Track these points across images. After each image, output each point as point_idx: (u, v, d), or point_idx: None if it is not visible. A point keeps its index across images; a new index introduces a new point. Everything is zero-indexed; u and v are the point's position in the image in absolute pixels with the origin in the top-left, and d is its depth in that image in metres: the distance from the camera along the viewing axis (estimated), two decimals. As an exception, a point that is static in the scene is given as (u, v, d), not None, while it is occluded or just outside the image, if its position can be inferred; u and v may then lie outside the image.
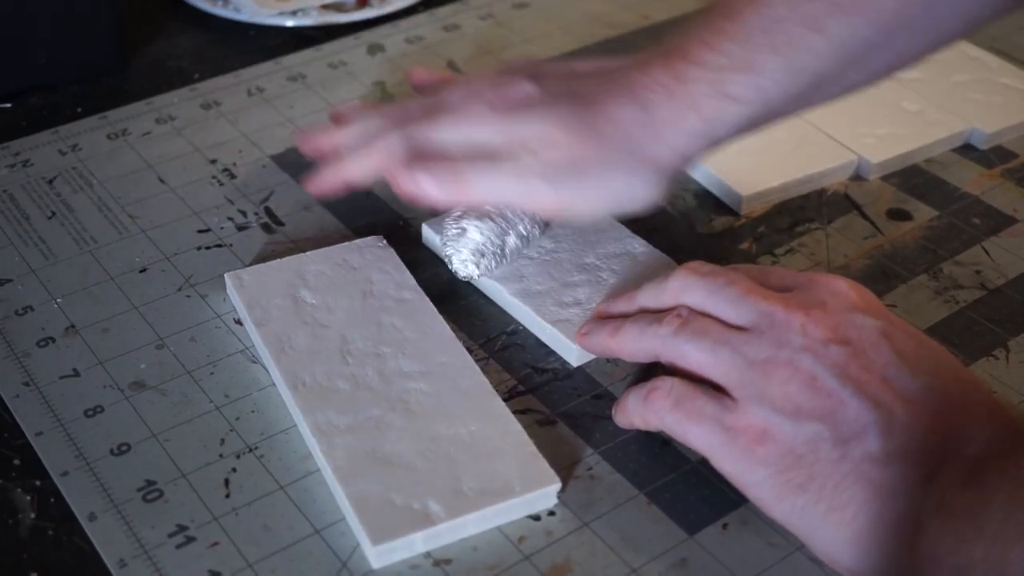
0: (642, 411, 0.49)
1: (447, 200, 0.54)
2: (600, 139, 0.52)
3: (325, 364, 0.53)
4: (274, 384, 0.53)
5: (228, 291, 0.58)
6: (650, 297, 0.52)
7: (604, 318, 0.54)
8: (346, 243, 0.59)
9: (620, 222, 0.61)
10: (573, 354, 0.55)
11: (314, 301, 0.56)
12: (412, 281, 0.57)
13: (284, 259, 0.58)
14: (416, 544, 0.46)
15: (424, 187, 0.53)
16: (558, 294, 0.57)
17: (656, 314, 0.51)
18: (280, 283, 0.57)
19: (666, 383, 0.48)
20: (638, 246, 0.60)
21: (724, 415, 0.46)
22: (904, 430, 0.44)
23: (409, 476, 0.48)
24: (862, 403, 0.44)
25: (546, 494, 0.48)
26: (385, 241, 0.60)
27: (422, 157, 0.54)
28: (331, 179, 0.57)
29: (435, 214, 0.62)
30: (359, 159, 0.56)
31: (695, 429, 0.47)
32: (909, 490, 0.43)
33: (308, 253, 0.58)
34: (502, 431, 0.50)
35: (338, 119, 0.61)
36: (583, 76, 0.56)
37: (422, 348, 0.54)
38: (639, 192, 0.53)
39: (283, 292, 0.56)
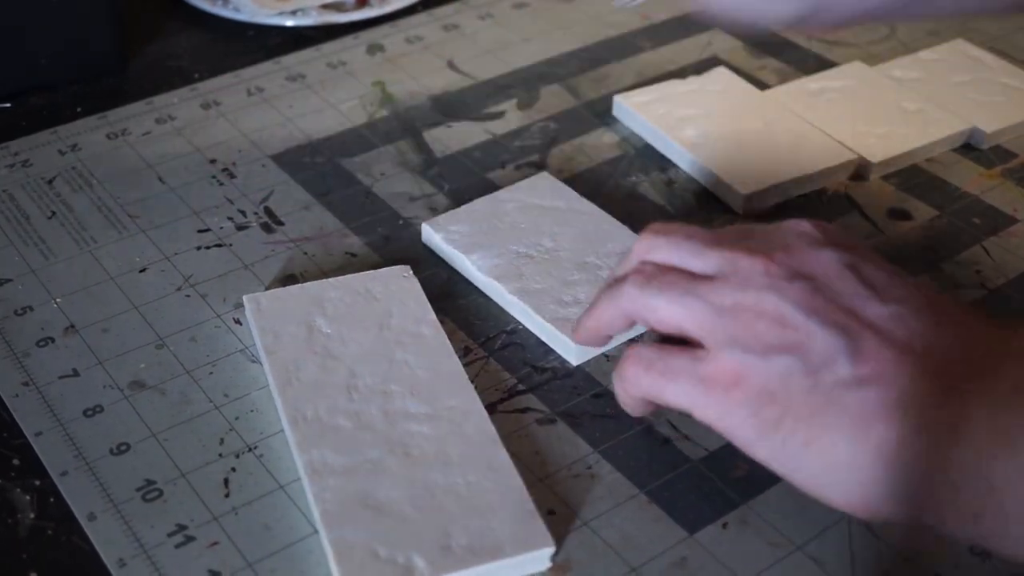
0: (622, 386, 0.49)
1: None
2: None
3: (329, 399, 0.51)
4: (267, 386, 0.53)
5: (247, 314, 0.56)
6: (620, 268, 0.51)
7: None
8: (370, 271, 0.58)
9: (621, 222, 0.61)
10: (572, 352, 0.55)
11: (329, 331, 0.54)
12: (432, 316, 0.55)
13: (305, 284, 0.57)
14: None
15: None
16: (557, 292, 0.57)
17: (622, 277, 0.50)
18: (297, 309, 0.55)
19: (633, 350, 0.48)
20: None
21: (696, 366, 0.46)
22: (874, 355, 0.43)
23: (398, 526, 0.46)
24: (828, 332, 0.44)
25: (539, 556, 0.46)
26: (411, 272, 0.58)
27: None
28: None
29: (436, 212, 0.62)
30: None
31: (671, 386, 0.46)
32: (885, 413, 0.42)
33: (331, 280, 0.57)
34: (501, 484, 0.48)
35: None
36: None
37: (432, 388, 0.52)
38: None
39: (299, 319, 0.55)
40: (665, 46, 0.80)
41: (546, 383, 0.54)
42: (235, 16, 0.81)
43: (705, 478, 0.50)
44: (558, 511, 0.48)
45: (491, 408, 0.53)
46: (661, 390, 0.47)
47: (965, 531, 0.41)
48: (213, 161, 0.68)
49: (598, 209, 0.62)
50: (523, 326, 0.57)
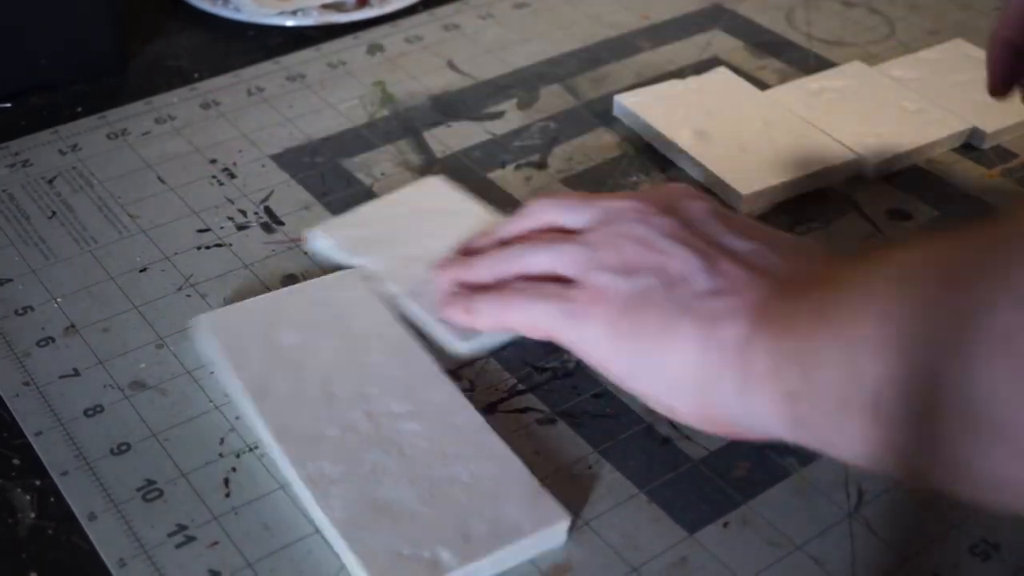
0: (487, 311, 0.51)
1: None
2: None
3: (311, 410, 0.50)
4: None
5: (196, 336, 0.54)
6: (508, 228, 0.54)
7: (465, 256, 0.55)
8: (321, 278, 0.57)
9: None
10: (460, 346, 0.55)
11: (292, 343, 0.53)
12: (390, 316, 0.55)
13: (257, 298, 0.56)
14: None
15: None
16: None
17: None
18: (254, 325, 0.54)
19: (514, 284, 0.51)
20: None
21: (565, 291, 0.49)
22: (729, 273, 0.46)
23: (413, 524, 0.46)
24: (688, 253, 0.47)
25: (556, 531, 0.47)
26: (360, 277, 0.57)
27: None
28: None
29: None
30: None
31: (538, 307, 0.49)
32: (731, 316, 0.44)
33: (282, 291, 0.56)
34: (502, 469, 0.48)
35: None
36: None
37: (410, 387, 0.51)
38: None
39: (258, 334, 0.53)
40: (665, 46, 0.80)
41: (546, 383, 0.54)
42: (235, 16, 0.81)
43: (705, 478, 0.50)
44: (558, 511, 0.48)
45: (491, 408, 0.53)
46: (531, 314, 0.49)
47: (783, 416, 0.42)
48: (213, 161, 0.68)
49: (485, 210, 0.62)
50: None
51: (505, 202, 0.65)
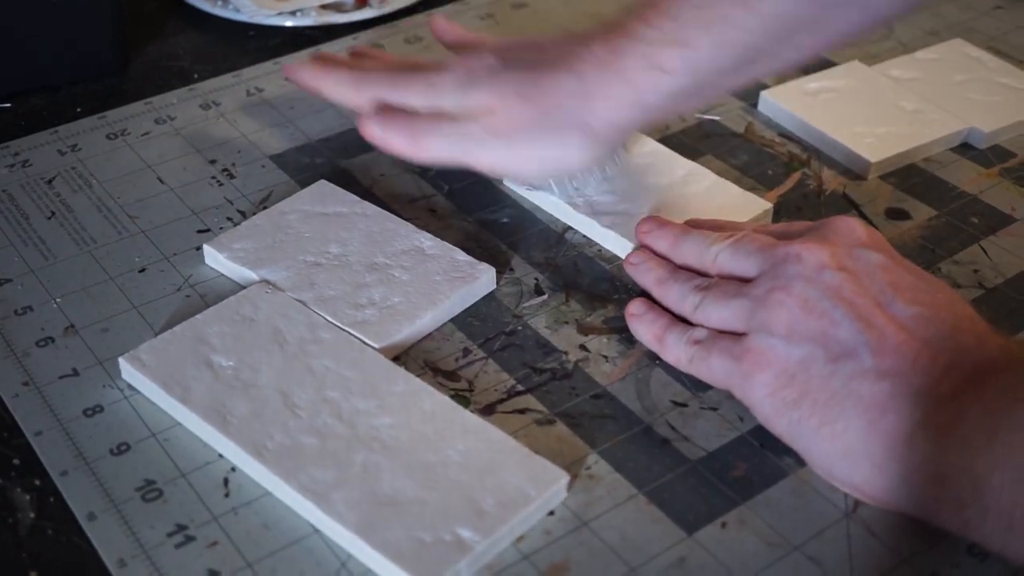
0: (675, 350, 0.53)
1: (404, 152, 0.60)
2: (536, 107, 0.57)
3: (278, 424, 0.50)
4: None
5: (125, 376, 0.53)
6: (694, 255, 0.56)
7: (650, 252, 0.58)
8: (233, 296, 0.56)
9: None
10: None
11: (231, 363, 0.53)
12: (319, 319, 0.55)
13: (175, 329, 0.54)
14: (462, 574, 0.45)
15: (384, 135, 0.60)
16: (352, 297, 0.57)
17: (693, 281, 0.55)
18: (184, 353, 0.53)
19: (700, 332, 0.53)
20: (425, 240, 0.60)
21: (734, 347, 0.50)
22: (894, 351, 0.46)
23: (423, 510, 0.46)
24: (854, 324, 0.47)
25: (558, 490, 0.48)
26: (272, 286, 0.57)
27: (390, 112, 0.60)
28: (309, 80, 0.64)
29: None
30: (341, 87, 0.63)
31: (713, 361, 0.51)
32: (897, 405, 0.45)
33: (198, 316, 0.55)
34: (487, 442, 0.49)
35: (326, 58, 0.66)
36: (540, 49, 0.60)
37: (368, 383, 0.52)
38: (572, 157, 0.58)
39: (192, 362, 0.53)
40: (664, 46, 0.80)
41: (545, 384, 0.54)
42: (235, 16, 0.81)
43: (704, 478, 0.50)
44: (557, 511, 0.48)
45: (490, 408, 0.53)
46: (709, 366, 0.51)
47: (952, 521, 0.45)
48: (213, 161, 0.68)
49: (380, 210, 0.62)
50: (520, 328, 0.57)
51: (503, 202, 0.65)
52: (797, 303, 0.48)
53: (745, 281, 0.52)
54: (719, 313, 0.52)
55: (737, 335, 0.51)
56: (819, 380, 0.47)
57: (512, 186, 0.66)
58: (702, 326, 0.53)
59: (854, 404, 0.46)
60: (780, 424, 0.48)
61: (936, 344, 0.47)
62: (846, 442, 0.46)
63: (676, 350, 0.53)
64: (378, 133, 0.60)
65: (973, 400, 0.44)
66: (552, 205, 0.64)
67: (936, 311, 0.48)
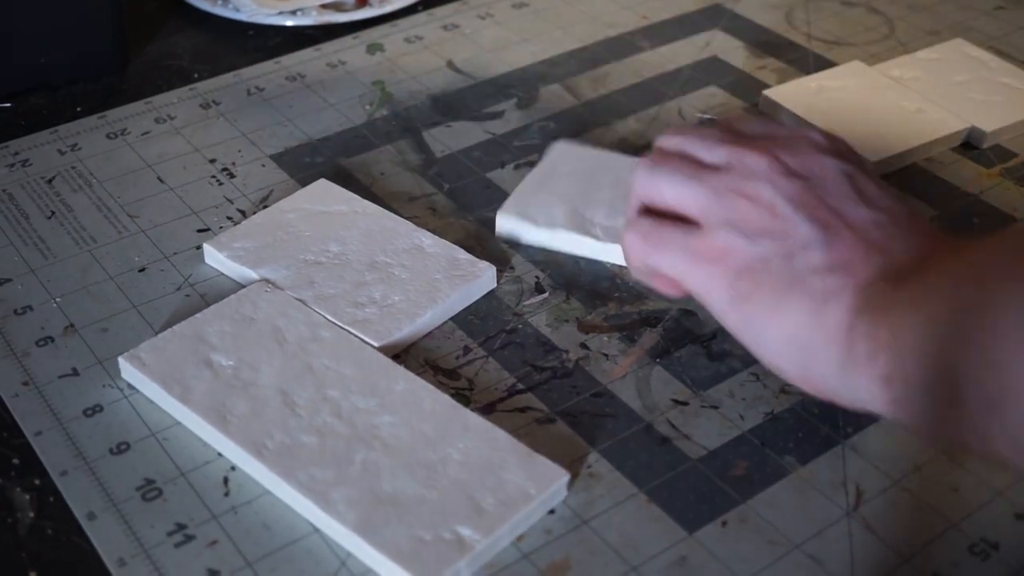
0: (627, 256, 0.52)
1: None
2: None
3: (278, 423, 0.50)
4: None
5: (124, 376, 0.53)
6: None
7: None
8: (233, 295, 0.56)
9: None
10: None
11: (231, 363, 0.52)
12: (319, 318, 0.55)
13: (175, 328, 0.54)
14: (462, 573, 0.45)
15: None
16: (352, 295, 0.57)
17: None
18: (184, 353, 0.53)
19: (632, 223, 0.52)
20: (425, 239, 0.60)
21: (689, 239, 0.50)
22: (847, 247, 0.47)
23: (423, 509, 0.46)
24: (812, 227, 0.48)
25: (559, 488, 0.48)
26: (272, 284, 0.57)
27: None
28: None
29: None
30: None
31: (664, 255, 0.50)
32: (840, 295, 0.46)
33: (198, 315, 0.55)
34: (487, 441, 0.49)
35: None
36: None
37: (368, 382, 0.52)
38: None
39: (192, 361, 0.52)
40: (664, 46, 0.80)
41: (545, 382, 0.54)
42: (235, 16, 0.81)
43: (704, 477, 0.50)
44: (557, 510, 0.48)
45: (490, 407, 0.53)
46: (658, 260, 0.51)
47: (879, 397, 0.45)
48: (212, 161, 0.68)
49: (380, 209, 0.62)
50: (520, 326, 0.57)
51: (503, 201, 0.65)
52: (763, 206, 0.49)
53: (703, 165, 0.51)
54: (673, 189, 0.51)
55: (686, 226, 0.50)
56: (774, 275, 0.48)
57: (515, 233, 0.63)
58: (649, 196, 0.52)
59: (800, 295, 0.47)
60: (733, 316, 0.49)
61: (889, 245, 0.47)
62: (790, 331, 0.47)
63: (626, 247, 0.52)
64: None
65: (905, 283, 0.45)
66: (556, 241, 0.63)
67: (893, 217, 0.49)
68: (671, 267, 0.50)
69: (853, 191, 0.49)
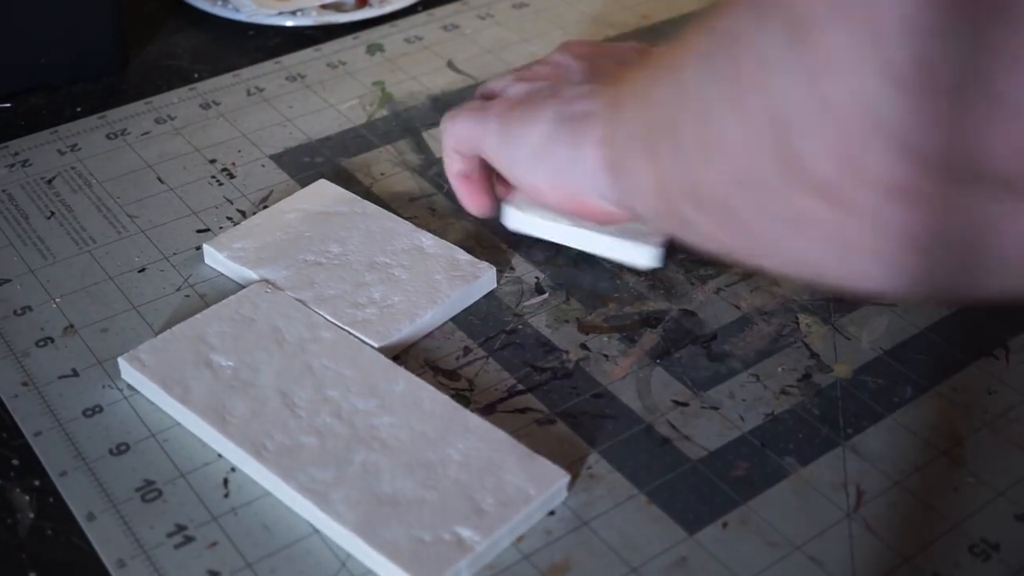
0: (444, 149, 0.60)
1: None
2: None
3: (278, 424, 0.50)
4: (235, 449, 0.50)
5: (124, 376, 0.53)
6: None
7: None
8: (233, 296, 0.56)
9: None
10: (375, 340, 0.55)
11: (231, 363, 0.53)
12: (319, 319, 0.55)
13: (175, 329, 0.54)
14: (462, 573, 0.45)
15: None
16: (352, 296, 0.57)
17: None
18: (184, 353, 0.53)
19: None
20: (426, 239, 0.60)
21: (482, 105, 0.59)
22: (601, 76, 0.56)
23: (423, 509, 0.46)
24: (552, 86, 0.57)
25: (559, 490, 0.48)
26: (272, 285, 0.57)
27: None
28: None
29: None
30: None
31: (466, 122, 0.58)
32: (586, 98, 0.53)
33: (198, 316, 0.55)
34: (488, 442, 0.49)
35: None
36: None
37: (368, 382, 0.52)
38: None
39: (192, 362, 0.52)
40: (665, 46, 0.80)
41: (545, 383, 0.54)
42: (235, 16, 0.81)
43: (705, 478, 0.50)
44: (558, 511, 0.48)
45: (490, 408, 0.53)
46: (453, 127, 0.59)
47: (611, 193, 0.51)
48: (212, 161, 0.68)
49: (380, 209, 0.62)
50: (520, 326, 0.57)
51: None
52: (518, 92, 0.58)
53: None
54: (465, 125, 0.59)
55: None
56: (536, 99, 0.55)
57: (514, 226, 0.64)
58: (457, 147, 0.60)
59: (554, 103, 0.54)
60: (501, 150, 0.56)
61: (599, 88, 0.54)
62: (539, 133, 0.54)
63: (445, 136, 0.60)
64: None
65: (604, 91, 0.53)
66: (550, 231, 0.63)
67: (604, 78, 0.56)
68: (468, 129, 0.58)
69: (584, 69, 0.59)
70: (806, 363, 0.55)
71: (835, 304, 0.58)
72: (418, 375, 0.53)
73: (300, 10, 0.81)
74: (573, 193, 0.54)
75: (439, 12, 0.84)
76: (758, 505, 0.49)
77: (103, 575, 0.46)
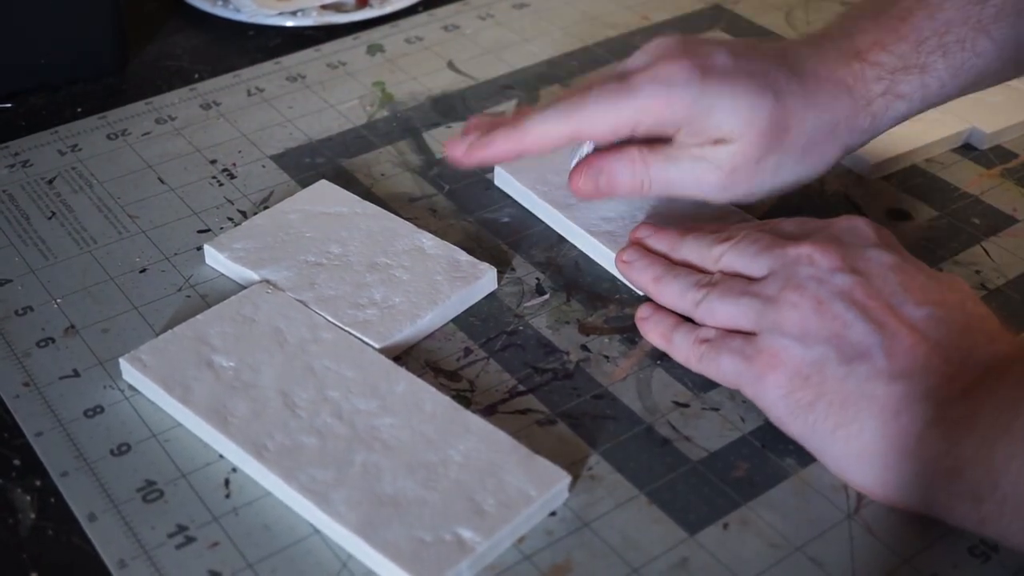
0: (683, 349, 0.53)
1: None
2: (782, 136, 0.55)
3: (278, 424, 0.50)
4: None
5: (125, 377, 0.53)
6: (695, 254, 0.55)
7: (645, 250, 0.57)
8: (235, 296, 0.56)
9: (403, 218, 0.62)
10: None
11: (232, 364, 0.52)
12: (320, 319, 0.55)
13: (176, 329, 0.54)
14: (463, 574, 0.45)
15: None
16: (352, 297, 0.57)
17: (693, 277, 0.54)
18: (185, 354, 0.53)
19: (708, 331, 0.52)
20: (426, 240, 0.60)
21: (745, 347, 0.50)
22: (907, 352, 0.47)
23: (424, 510, 0.46)
24: (867, 326, 0.47)
25: (560, 490, 0.48)
26: (273, 286, 0.57)
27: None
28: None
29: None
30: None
31: (723, 360, 0.51)
32: (911, 406, 0.46)
33: (199, 316, 0.55)
34: (489, 443, 0.49)
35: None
36: (768, 57, 0.57)
37: (369, 383, 0.52)
38: (800, 178, 0.57)
39: (193, 362, 0.52)
40: (665, 46, 0.80)
41: (546, 384, 0.54)
42: (235, 16, 0.81)
43: (705, 479, 0.50)
44: (559, 512, 0.48)
45: (491, 409, 0.53)
46: (718, 365, 0.51)
47: (968, 517, 0.45)
48: (213, 161, 0.68)
49: (381, 210, 0.62)
50: (521, 328, 0.57)
51: (503, 202, 0.65)
52: (810, 304, 0.49)
53: (751, 280, 0.52)
54: (726, 310, 0.51)
55: (745, 335, 0.51)
56: (833, 382, 0.47)
57: (507, 189, 0.65)
58: (707, 325, 0.53)
59: (868, 406, 0.46)
60: (795, 426, 0.48)
61: (948, 344, 0.47)
62: (861, 444, 0.47)
63: (684, 349, 0.53)
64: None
65: (987, 395, 0.45)
66: (547, 213, 0.64)
67: (948, 311, 0.48)
68: (728, 373, 0.51)
69: (901, 286, 0.49)
70: (806, 364, 0.55)
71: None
72: (419, 376, 0.53)
73: (300, 10, 0.81)
74: (913, 506, 0.47)
75: (439, 12, 0.84)
76: (759, 506, 0.49)
77: (104, 575, 0.46)
